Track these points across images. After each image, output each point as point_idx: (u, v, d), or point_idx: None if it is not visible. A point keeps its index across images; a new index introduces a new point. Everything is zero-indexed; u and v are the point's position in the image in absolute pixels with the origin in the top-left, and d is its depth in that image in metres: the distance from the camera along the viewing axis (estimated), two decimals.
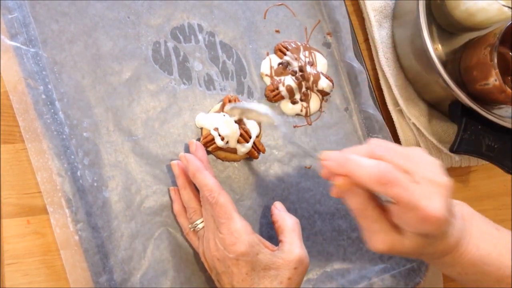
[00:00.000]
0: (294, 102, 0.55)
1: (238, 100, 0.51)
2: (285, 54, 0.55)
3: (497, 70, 0.50)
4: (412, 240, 0.39)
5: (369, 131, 0.58)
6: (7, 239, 0.44)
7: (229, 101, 0.51)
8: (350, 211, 0.40)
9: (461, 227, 0.41)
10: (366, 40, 0.62)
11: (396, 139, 0.60)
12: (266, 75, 0.55)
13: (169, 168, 0.49)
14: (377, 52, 0.60)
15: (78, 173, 0.46)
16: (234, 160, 0.52)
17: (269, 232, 0.52)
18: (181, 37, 0.53)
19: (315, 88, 0.55)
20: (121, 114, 0.49)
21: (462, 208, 0.43)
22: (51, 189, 0.45)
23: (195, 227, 0.46)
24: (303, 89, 0.55)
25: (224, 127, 0.49)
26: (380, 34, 0.60)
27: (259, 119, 0.49)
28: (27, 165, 0.46)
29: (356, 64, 0.57)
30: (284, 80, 0.54)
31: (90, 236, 0.45)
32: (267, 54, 0.56)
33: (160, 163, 0.49)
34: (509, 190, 0.65)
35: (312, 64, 0.56)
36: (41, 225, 0.46)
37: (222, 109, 0.51)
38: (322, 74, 0.56)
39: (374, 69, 0.61)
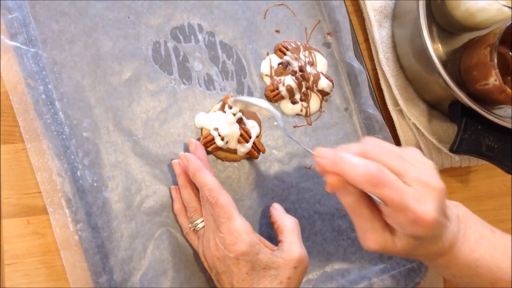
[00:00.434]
0: (294, 102, 0.55)
1: None
2: (285, 54, 0.55)
3: (497, 70, 0.50)
4: (404, 241, 0.39)
5: (369, 131, 0.58)
6: (7, 239, 0.44)
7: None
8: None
9: (456, 229, 0.41)
10: (366, 40, 0.62)
11: (396, 139, 0.60)
12: (266, 75, 0.55)
13: (169, 168, 0.49)
14: (377, 52, 0.60)
15: (78, 173, 0.46)
16: (234, 160, 0.52)
17: (269, 232, 0.52)
18: (181, 37, 0.53)
19: (315, 88, 0.55)
20: (121, 114, 0.49)
21: (458, 210, 0.43)
22: (51, 189, 0.45)
23: (195, 226, 0.46)
24: (303, 89, 0.55)
25: (224, 127, 0.49)
26: (380, 34, 0.60)
27: (260, 111, 0.49)
28: (27, 165, 0.46)
29: (356, 64, 0.57)
30: (284, 80, 0.54)
31: (90, 236, 0.45)
32: (267, 54, 0.56)
33: (160, 163, 0.49)
34: (509, 190, 0.65)
35: (312, 64, 0.56)
36: (41, 225, 0.46)
37: (222, 109, 0.51)
38: (322, 74, 0.56)
39: (374, 69, 0.61)
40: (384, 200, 0.36)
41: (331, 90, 0.56)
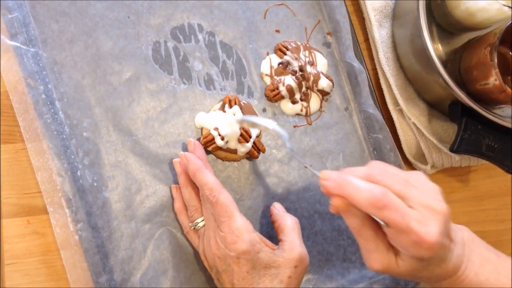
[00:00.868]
0: (294, 102, 0.55)
1: (238, 100, 0.51)
2: (285, 54, 0.55)
3: (497, 70, 0.50)
4: (407, 262, 0.39)
5: (369, 131, 0.58)
6: (7, 239, 0.44)
7: (229, 100, 0.51)
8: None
9: (460, 252, 0.41)
10: (366, 40, 0.62)
11: (396, 139, 0.60)
12: (266, 74, 0.55)
13: (169, 168, 0.49)
14: (377, 52, 0.60)
15: (78, 173, 0.46)
16: (234, 160, 0.52)
17: (269, 232, 0.52)
18: (181, 37, 0.53)
19: (315, 88, 0.55)
20: (121, 114, 0.49)
21: (463, 233, 0.43)
22: (51, 189, 0.45)
23: (196, 225, 0.46)
24: (303, 89, 0.55)
25: (224, 127, 0.49)
26: (380, 34, 0.60)
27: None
28: (27, 165, 0.46)
29: (356, 64, 0.57)
30: (284, 79, 0.54)
31: (90, 236, 0.45)
32: (267, 54, 0.56)
33: (160, 163, 0.49)
34: (509, 190, 0.65)
35: (312, 64, 0.56)
36: (41, 225, 0.45)
37: (222, 108, 0.51)
38: (322, 74, 0.56)
39: (374, 69, 0.61)
40: (388, 223, 0.37)
41: (331, 90, 0.56)
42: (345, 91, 0.58)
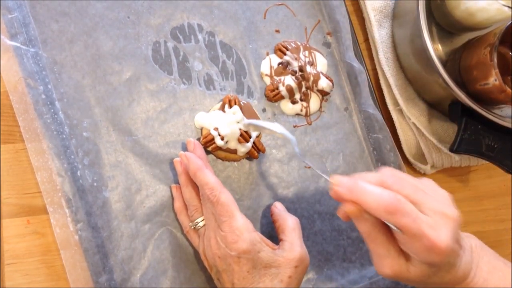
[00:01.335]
0: (294, 102, 0.55)
1: (238, 100, 0.51)
2: (285, 54, 0.55)
3: (497, 70, 0.50)
4: (418, 268, 0.39)
5: (369, 131, 0.58)
6: (7, 239, 0.44)
7: (229, 100, 0.51)
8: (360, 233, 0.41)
9: (469, 259, 0.41)
10: (366, 40, 0.62)
11: (396, 139, 0.60)
12: (266, 75, 0.55)
13: (169, 168, 0.49)
14: (377, 52, 0.60)
15: (78, 173, 0.46)
16: (234, 160, 0.52)
17: (270, 232, 0.52)
18: (181, 37, 0.53)
19: (315, 88, 0.55)
20: (121, 114, 0.49)
21: (470, 241, 0.43)
22: (51, 189, 0.45)
23: (196, 225, 0.46)
24: (303, 89, 0.55)
25: (224, 127, 0.49)
26: (380, 34, 0.60)
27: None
28: (27, 165, 0.46)
29: (356, 64, 0.57)
30: (284, 80, 0.54)
31: (90, 236, 0.45)
32: (267, 54, 0.56)
33: (160, 163, 0.49)
34: (509, 189, 0.65)
35: (312, 64, 0.56)
36: (41, 225, 0.45)
37: (222, 108, 0.51)
38: (322, 74, 0.56)
39: (374, 69, 0.61)
40: (401, 228, 0.37)
41: (331, 90, 0.56)
42: (345, 91, 0.58)
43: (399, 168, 0.57)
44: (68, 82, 0.48)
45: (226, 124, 0.49)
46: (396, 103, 0.60)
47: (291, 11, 0.58)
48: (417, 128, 0.59)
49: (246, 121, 0.49)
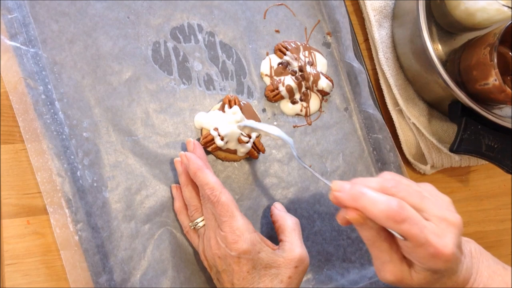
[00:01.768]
0: (294, 102, 0.55)
1: (238, 100, 0.51)
2: (285, 54, 0.55)
3: (497, 70, 0.50)
4: (421, 275, 0.39)
5: (369, 131, 0.58)
6: (7, 239, 0.44)
7: (229, 101, 0.51)
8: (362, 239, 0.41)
9: (469, 264, 0.41)
10: (366, 40, 0.62)
11: (396, 139, 0.60)
12: (266, 75, 0.55)
13: (169, 168, 0.49)
14: (377, 52, 0.60)
15: (78, 173, 0.46)
16: (234, 160, 0.52)
17: (270, 232, 0.52)
18: (181, 37, 0.53)
19: (315, 88, 0.55)
20: (121, 114, 0.49)
21: (469, 245, 0.43)
22: (51, 189, 0.45)
23: (196, 225, 0.46)
24: (303, 89, 0.55)
25: (224, 127, 0.49)
26: (380, 34, 0.60)
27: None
28: (27, 165, 0.46)
29: (356, 64, 0.57)
30: (284, 80, 0.54)
31: (90, 236, 0.45)
32: (267, 54, 0.56)
33: (160, 163, 0.49)
34: (509, 189, 0.65)
35: (312, 64, 0.56)
36: (41, 225, 0.45)
37: (222, 108, 0.51)
38: (322, 74, 0.56)
39: (374, 69, 0.61)
40: (405, 235, 0.37)
41: (331, 90, 0.56)
42: (345, 91, 0.58)
43: (399, 168, 0.57)
44: (68, 82, 0.48)
45: (226, 124, 0.49)
46: (396, 103, 0.60)
47: (291, 11, 0.58)
48: (417, 128, 0.59)
49: (242, 123, 0.49)
